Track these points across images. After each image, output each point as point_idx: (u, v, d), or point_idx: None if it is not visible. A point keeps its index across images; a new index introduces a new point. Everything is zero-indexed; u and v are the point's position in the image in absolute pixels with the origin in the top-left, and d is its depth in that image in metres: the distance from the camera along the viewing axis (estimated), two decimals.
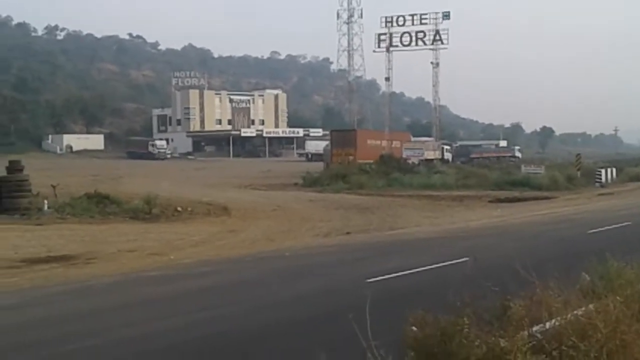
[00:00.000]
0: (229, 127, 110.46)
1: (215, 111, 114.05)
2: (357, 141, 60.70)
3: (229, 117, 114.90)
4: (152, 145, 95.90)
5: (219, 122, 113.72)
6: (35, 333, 9.73)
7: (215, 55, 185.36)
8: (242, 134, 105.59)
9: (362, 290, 11.95)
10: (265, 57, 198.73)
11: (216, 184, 46.63)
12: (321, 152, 74.72)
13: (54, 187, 30.08)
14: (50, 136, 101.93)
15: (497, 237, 21.08)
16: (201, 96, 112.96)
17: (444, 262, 14.98)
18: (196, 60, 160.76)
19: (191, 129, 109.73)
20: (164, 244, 20.94)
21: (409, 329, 5.72)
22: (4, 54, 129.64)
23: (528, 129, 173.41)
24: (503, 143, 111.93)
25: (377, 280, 12.88)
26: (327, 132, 79.18)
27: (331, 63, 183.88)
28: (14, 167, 29.65)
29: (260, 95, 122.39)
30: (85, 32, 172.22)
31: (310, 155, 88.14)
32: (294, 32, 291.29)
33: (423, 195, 37.46)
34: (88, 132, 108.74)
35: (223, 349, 8.71)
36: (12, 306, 12.26)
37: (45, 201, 28.37)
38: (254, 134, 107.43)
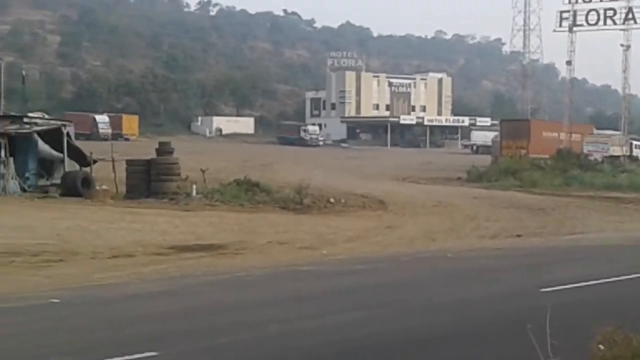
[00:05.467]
0: (387, 114, 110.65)
1: (372, 95, 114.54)
2: (531, 133, 59.09)
3: (387, 102, 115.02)
4: (304, 130, 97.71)
5: (376, 107, 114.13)
6: (183, 323, 10.23)
7: (375, 35, 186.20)
8: (401, 122, 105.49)
9: (536, 300, 11.79)
10: (429, 37, 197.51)
11: (372, 175, 47.00)
12: (489, 143, 73.45)
13: (203, 171, 31.41)
14: (199, 118, 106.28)
15: None
16: (358, 79, 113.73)
17: (636, 273, 14.38)
18: (354, 40, 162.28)
19: (346, 114, 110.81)
20: (316, 237, 21.37)
21: (596, 347, 5.57)
22: (156, 30, 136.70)
23: None
24: None
25: (553, 291, 12.53)
26: (496, 122, 77.63)
27: (503, 44, 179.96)
28: (164, 150, 31.26)
29: (422, 79, 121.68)
30: (238, 8, 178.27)
31: (476, 147, 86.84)
32: (462, 9, 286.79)
33: (606, 196, 36.01)
34: (238, 115, 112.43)
35: (375, 353, 8.78)
36: (160, 294, 12.96)
37: (194, 186, 29.70)
38: (414, 122, 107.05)
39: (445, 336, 9.70)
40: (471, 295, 12.67)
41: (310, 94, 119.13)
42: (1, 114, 39.12)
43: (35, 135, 31.47)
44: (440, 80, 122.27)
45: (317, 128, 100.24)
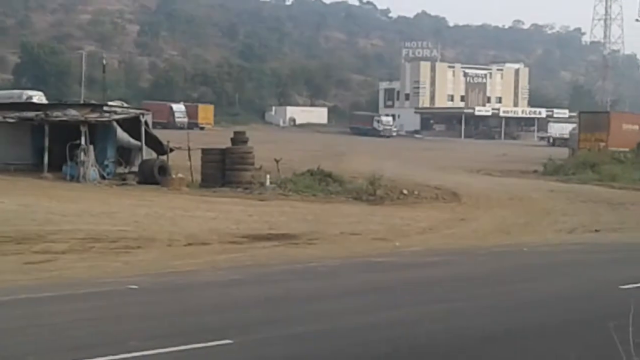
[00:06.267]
0: (462, 105, 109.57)
1: (447, 86, 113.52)
2: (611, 125, 57.65)
3: (462, 93, 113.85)
4: (378, 121, 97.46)
5: (451, 98, 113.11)
6: (259, 312, 10.34)
7: (451, 24, 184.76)
8: (476, 113, 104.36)
9: (616, 298, 11.54)
10: (506, 27, 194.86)
11: (445, 167, 46.58)
12: (566, 136, 72.10)
13: (277, 161, 31.62)
14: (273, 108, 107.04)
15: None
16: (433, 69, 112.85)
17: None
18: (429, 30, 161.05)
19: (420, 105, 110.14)
20: (389, 228, 21.31)
21: None
22: (232, 20, 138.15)
23: None
24: None
25: (634, 288, 12.24)
26: (575, 114, 76.14)
27: (583, 34, 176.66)
28: (239, 139, 31.55)
29: (498, 70, 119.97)
30: None
31: (552, 140, 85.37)
32: None
33: None
34: (312, 105, 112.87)
35: (456, 349, 8.72)
36: (235, 282, 13.11)
37: (268, 176, 29.94)
38: (489, 113, 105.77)
39: (525, 332, 9.56)
40: (549, 291, 12.47)
41: (384, 84, 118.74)
42: (82, 102, 40.14)
43: (115, 124, 32.17)
44: (517, 71, 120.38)
45: (390, 119, 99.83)
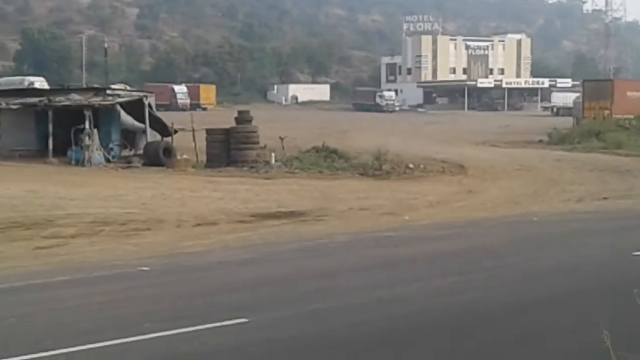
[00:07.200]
0: (464, 77, 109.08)
1: (449, 59, 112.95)
2: (614, 93, 57.34)
3: (464, 65, 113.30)
4: (380, 96, 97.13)
5: (453, 71, 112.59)
6: (271, 290, 10.28)
7: None
8: (479, 85, 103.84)
9: (631, 264, 11.47)
10: None
11: (450, 140, 46.45)
12: (570, 105, 71.74)
13: (281, 139, 31.53)
14: (275, 86, 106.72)
15: None
16: (434, 42, 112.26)
17: None
18: (430, 3, 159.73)
19: (422, 79, 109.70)
20: (397, 203, 21.27)
21: None
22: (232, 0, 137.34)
23: None
24: None
25: None
26: (578, 83, 75.80)
27: (584, 2, 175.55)
28: (243, 118, 31.48)
29: (500, 41, 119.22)
30: None
31: (556, 109, 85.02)
32: None
33: None
34: (314, 82, 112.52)
35: (469, 320, 8.64)
36: (246, 261, 13.06)
37: (273, 154, 29.87)
38: (492, 85, 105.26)
39: (546, 300, 9.48)
40: (563, 259, 12.40)
41: (385, 60, 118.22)
42: (84, 86, 39.99)
43: (118, 107, 32.06)
44: (519, 42, 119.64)
45: (393, 94, 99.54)
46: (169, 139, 32.41)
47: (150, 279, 11.48)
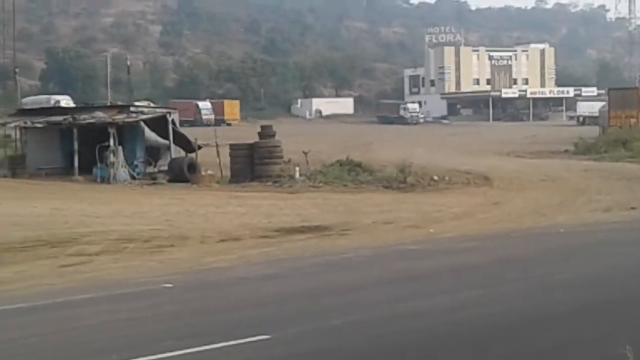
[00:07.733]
0: (488, 88, 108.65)
1: (472, 70, 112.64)
2: None
3: (488, 76, 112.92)
4: (404, 108, 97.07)
5: (477, 82, 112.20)
6: (295, 305, 10.23)
7: (473, 8, 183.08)
8: (503, 95, 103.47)
9: None
10: (529, 7, 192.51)
11: (474, 151, 46.21)
12: (596, 114, 71.11)
13: (305, 153, 31.48)
14: (299, 100, 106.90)
15: None
16: (457, 53, 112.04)
17: None
18: (451, 14, 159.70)
19: (446, 90, 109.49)
20: (422, 215, 21.13)
21: None
22: (254, 15, 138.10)
23: None
24: None
25: None
26: (603, 92, 75.19)
27: (607, 11, 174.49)
28: (267, 133, 31.50)
29: (523, 51, 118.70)
30: None
31: (582, 119, 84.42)
32: None
33: None
34: (337, 96, 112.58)
35: (495, 332, 8.52)
36: (270, 277, 13.01)
37: (297, 168, 29.83)
38: (516, 95, 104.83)
39: (570, 312, 9.38)
40: (589, 271, 12.26)
41: (408, 72, 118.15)
42: (109, 104, 40.27)
43: (142, 124, 32.24)
44: (542, 51, 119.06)
45: (416, 105, 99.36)
46: (193, 154, 32.51)
47: (173, 295, 11.46)
